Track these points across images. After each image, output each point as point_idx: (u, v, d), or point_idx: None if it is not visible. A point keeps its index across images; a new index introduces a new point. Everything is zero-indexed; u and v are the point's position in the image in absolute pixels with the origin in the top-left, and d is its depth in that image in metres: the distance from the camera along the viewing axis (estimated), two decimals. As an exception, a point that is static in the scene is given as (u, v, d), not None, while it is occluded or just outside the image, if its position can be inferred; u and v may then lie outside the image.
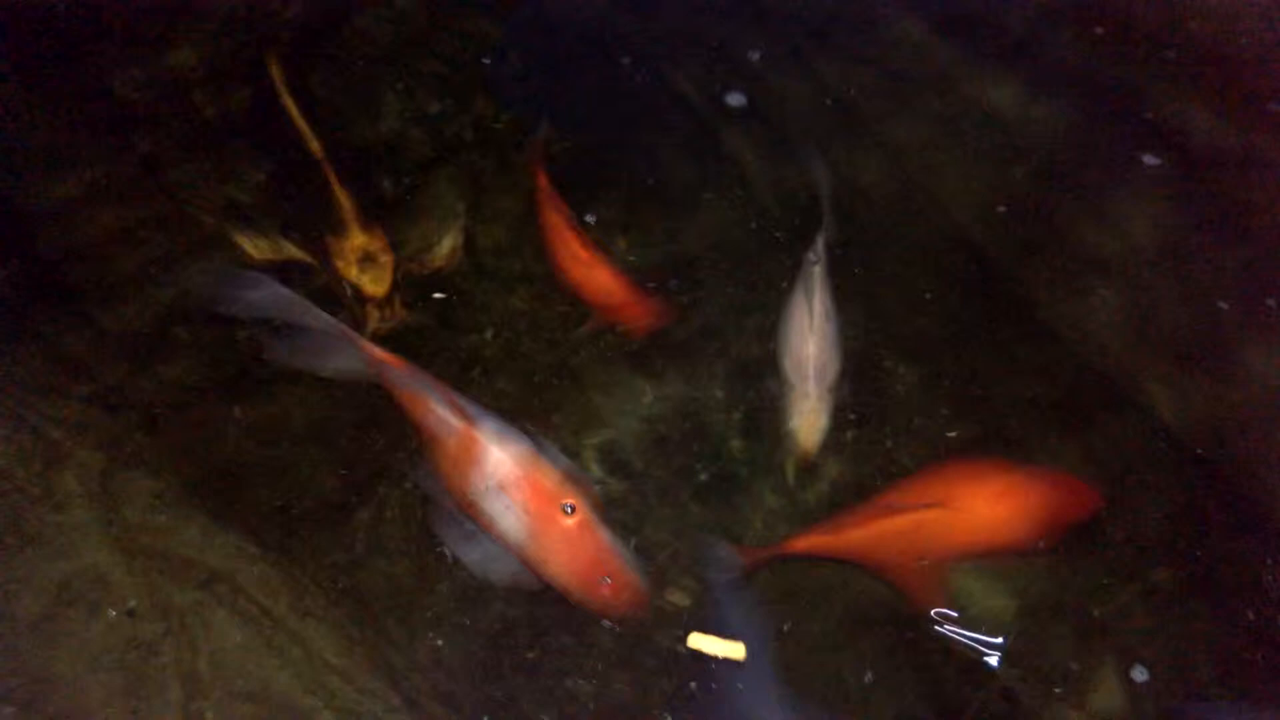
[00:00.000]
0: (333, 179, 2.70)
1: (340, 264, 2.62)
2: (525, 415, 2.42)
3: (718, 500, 2.43)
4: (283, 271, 2.63)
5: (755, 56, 3.24)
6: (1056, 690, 2.19)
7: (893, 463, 2.48)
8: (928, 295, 2.76)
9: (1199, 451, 2.49)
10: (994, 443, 2.51)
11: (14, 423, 2.25)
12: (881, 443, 2.51)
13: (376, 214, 2.74)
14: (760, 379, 2.59)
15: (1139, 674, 2.21)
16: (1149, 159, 2.94)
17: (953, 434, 2.52)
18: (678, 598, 2.28)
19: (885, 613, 2.27)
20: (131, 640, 2.01)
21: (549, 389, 2.58)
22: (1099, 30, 3.29)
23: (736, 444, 2.51)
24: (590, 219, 2.87)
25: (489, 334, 2.66)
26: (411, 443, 2.41)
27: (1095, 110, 3.11)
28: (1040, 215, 2.91)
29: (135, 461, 2.33)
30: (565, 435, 2.49)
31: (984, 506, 2.20)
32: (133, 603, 2.06)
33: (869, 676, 2.21)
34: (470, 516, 2.19)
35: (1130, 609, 2.28)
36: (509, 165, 2.97)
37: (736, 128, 3.09)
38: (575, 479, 2.13)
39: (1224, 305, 2.72)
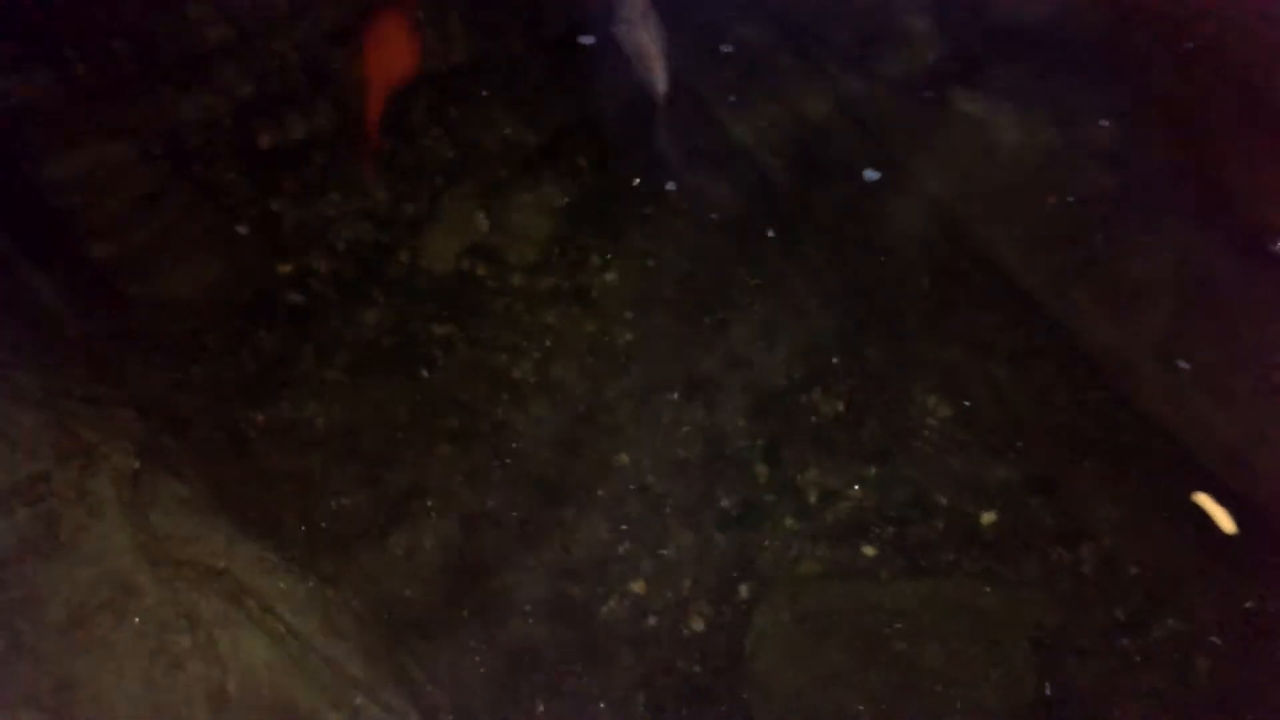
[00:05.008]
0: None
1: None
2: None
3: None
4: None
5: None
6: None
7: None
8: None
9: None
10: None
11: (56, 427, 2.28)
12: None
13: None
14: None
15: None
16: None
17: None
18: (694, 621, 2.29)
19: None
20: (157, 651, 2.03)
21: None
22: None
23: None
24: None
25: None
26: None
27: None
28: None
29: (164, 466, 2.35)
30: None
31: None
32: (159, 612, 2.08)
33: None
34: None
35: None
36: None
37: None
38: None
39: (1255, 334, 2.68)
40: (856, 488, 2.47)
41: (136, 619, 2.06)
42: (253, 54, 3.13)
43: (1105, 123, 3.12)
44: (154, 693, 1.97)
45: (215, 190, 2.87)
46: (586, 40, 3.27)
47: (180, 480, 2.34)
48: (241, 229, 2.80)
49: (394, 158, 3.00)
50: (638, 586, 2.34)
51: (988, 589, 2.33)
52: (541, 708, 2.18)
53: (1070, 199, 2.97)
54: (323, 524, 2.36)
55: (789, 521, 2.44)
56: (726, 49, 3.28)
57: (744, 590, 2.35)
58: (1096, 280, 2.82)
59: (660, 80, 3.10)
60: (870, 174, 3.00)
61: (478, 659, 2.22)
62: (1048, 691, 2.21)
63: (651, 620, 2.30)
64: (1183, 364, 2.67)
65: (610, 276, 2.80)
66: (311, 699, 2.01)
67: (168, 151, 2.91)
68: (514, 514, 2.42)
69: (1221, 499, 2.44)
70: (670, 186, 2.98)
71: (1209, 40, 3.25)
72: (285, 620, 2.12)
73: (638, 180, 3.01)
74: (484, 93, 3.16)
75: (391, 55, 3.16)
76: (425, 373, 2.60)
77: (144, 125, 2.95)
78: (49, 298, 2.59)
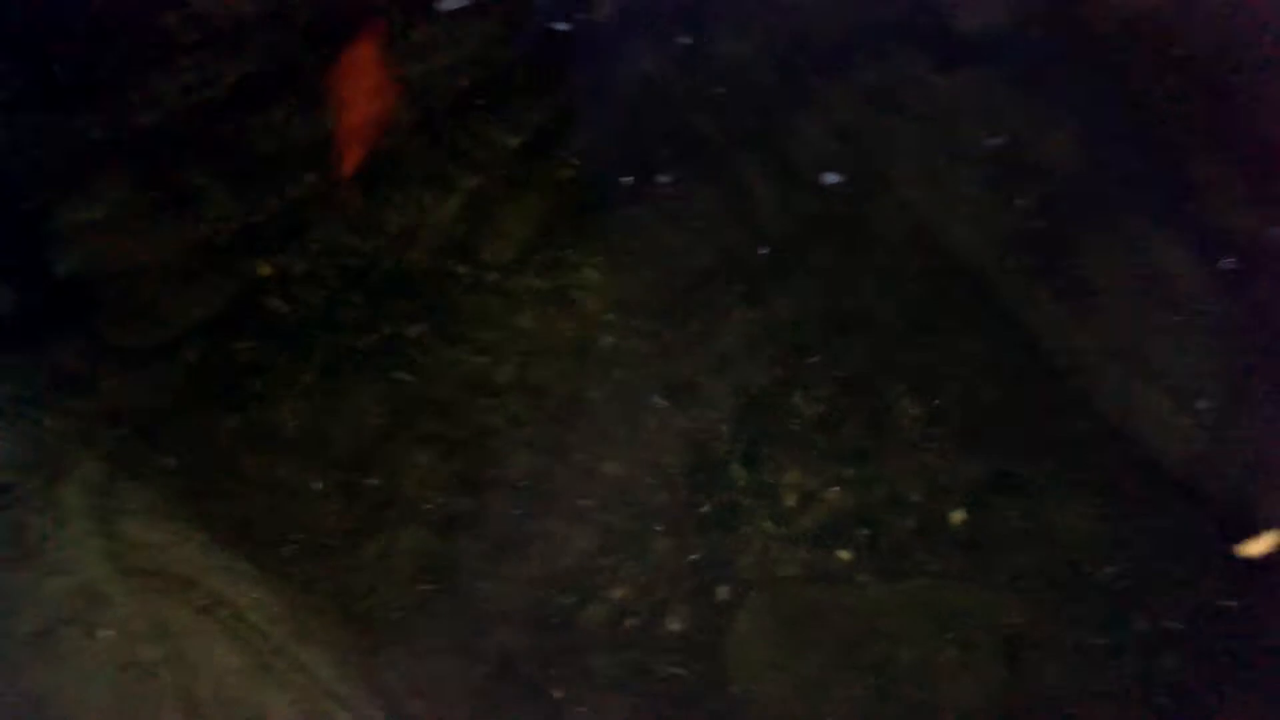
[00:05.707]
0: None
1: None
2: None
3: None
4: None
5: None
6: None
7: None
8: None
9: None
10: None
11: (23, 436, 2.26)
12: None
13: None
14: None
15: None
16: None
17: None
18: (673, 624, 2.30)
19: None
20: (129, 661, 2.01)
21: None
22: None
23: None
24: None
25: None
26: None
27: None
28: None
29: (135, 476, 2.34)
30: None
31: None
32: (130, 623, 2.06)
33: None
34: None
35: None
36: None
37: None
38: None
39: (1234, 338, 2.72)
40: (835, 489, 2.47)
41: (107, 630, 2.04)
42: (228, 61, 3.10)
43: (1077, 127, 3.16)
44: (125, 703, 1.96)
45: (187, 196, 2.83)
46: (561, 27, 3.25)
47: (151, 488, 2.33)
48: (213, 235, 2.76)
49: (374, 162, 2.97)
50: (619, 593, 2.33)
51: (960, 589, 2.34)
52: (521, 718, 2.18)
53: (1039, 203, 2.99)
54: (297, 531, 2.33)
55: (768, 525, 2.44)
56: (705, 56, 3.28)
57: (726, 594, 2.35)
58: (1062, 282, 2.82)
59: None
60: (830, 177, 3.02)
61: (456, 668, 2.21)
62: (1018, 690, 2.23)
63: (632, 626, 2.30)
64: (1147, 370, 2.70)
65: (591, 276, 2.79)
66: (285, 709, 2.01)
67: (140, 158, 2.88)
68: (492, 520, 2.41)
69: (1185, 500, 2.48)
70: (664, 179, 2.97)
71: (1187, 45, 3.31)
72: (259, 629, 2.11)
73: (617, 179, 2.98)
74: (479, 101, 3.11)
75: (368, 85, 3.11)
76: (403, 375, 2.58)
77: (115, 131, 2.91)
78: (14, 306, 2.56)
